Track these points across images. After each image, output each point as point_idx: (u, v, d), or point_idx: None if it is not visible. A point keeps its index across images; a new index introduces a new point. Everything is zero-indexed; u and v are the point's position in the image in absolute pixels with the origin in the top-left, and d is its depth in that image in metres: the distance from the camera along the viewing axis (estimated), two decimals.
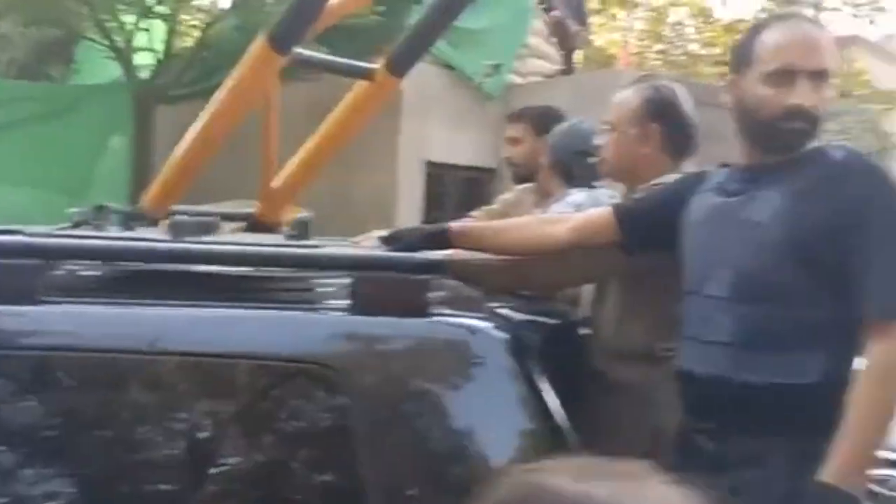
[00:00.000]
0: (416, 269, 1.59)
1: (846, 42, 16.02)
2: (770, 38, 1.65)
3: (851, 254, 1.53)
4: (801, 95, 1.59)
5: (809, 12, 15.52)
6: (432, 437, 1.49)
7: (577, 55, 10.13)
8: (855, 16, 15.70)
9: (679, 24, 16.25)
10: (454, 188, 7.44)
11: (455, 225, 1.94)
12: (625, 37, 16.25)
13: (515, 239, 1.91)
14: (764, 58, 1.63)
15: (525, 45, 7.98)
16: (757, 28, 1.71)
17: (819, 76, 1.61)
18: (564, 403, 1.59)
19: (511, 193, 2.95)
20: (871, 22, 15.89)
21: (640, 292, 1.87)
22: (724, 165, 1.78)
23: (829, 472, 1.46)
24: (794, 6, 15.56)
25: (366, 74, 2.64)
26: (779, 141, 1.64)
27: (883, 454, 2.67)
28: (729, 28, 15.86)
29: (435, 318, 1.55)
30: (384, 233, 1.93)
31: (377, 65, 2.58)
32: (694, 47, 15.81)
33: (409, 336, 1.54)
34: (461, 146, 7.04)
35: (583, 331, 2.03)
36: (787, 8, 15.43)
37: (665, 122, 1.97)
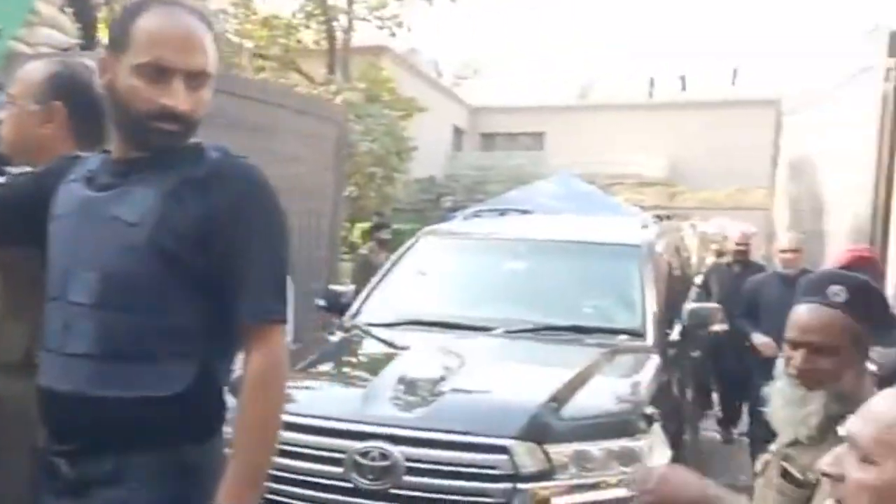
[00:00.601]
0: None
1: (376, 51, 17.43)
2: (147, 25, 1.47)
3: (225, 258, 1.45)
4: (174, 97, 1.45)
5: (343, 18, 16.54)
6: None
7: (103, 30, 9.46)
8: (380, 27, 16.95)
9: (223, 11, 16.00)
10: None
11: None
12: None
13: None
14: (138, 46, 1.46)
15: (33, 11, 7.17)
16: (135, 9, 1.50)
17: (197, 77, 1.48)
18: None
19: None
20: (393, 35, 17.23)
21: (20, 291, 1.66)
22: (105, 151, 1.60)
23: (224, 494, 1.40)
24: (329, 10, 16.44)
25: None
26: (145, 139, 1.50)
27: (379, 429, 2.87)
28: (266, 23, 16.14)
29: None
30: None
31: None
32: (234, 38, 15.75)
33: None
34: None
35: None
36: (319, 10, 16.25)
37: (72, 102, 1.79)
